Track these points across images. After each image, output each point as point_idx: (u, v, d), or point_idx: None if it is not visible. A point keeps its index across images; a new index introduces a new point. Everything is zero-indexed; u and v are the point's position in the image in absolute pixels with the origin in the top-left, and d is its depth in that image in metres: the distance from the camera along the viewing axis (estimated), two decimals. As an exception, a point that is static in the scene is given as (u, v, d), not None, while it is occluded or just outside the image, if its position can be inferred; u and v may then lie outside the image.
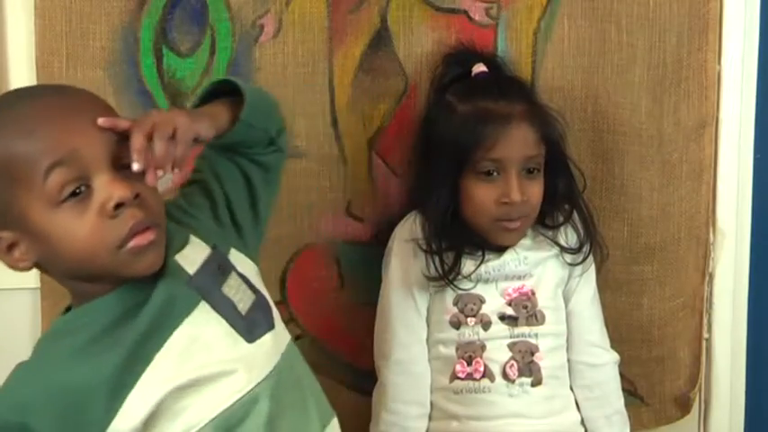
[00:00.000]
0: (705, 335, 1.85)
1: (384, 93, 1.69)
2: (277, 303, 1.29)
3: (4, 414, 1.16)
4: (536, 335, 1.58)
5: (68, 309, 1.23)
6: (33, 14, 1.62)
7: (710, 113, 1.76)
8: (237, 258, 1.27)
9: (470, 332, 1.57)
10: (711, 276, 1.84)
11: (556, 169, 1.60)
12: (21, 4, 1.64)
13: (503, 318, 1.58)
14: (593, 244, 1.64)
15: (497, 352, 1.57)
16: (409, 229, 1.61)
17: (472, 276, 1.57)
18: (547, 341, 1.59)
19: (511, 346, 1.57)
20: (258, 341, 1.20)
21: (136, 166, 1.11)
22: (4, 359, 1.72)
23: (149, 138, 1.12)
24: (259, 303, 1.24)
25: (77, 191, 1.12)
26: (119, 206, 1.12)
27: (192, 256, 1.22)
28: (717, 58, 1.75)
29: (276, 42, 1.66)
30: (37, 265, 1.18)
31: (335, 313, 1.74)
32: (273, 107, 1.36)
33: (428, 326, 1.61)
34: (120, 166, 1.14)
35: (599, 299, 1.67)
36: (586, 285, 1.64)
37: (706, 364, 1.86)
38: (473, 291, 1.58)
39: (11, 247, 1.16)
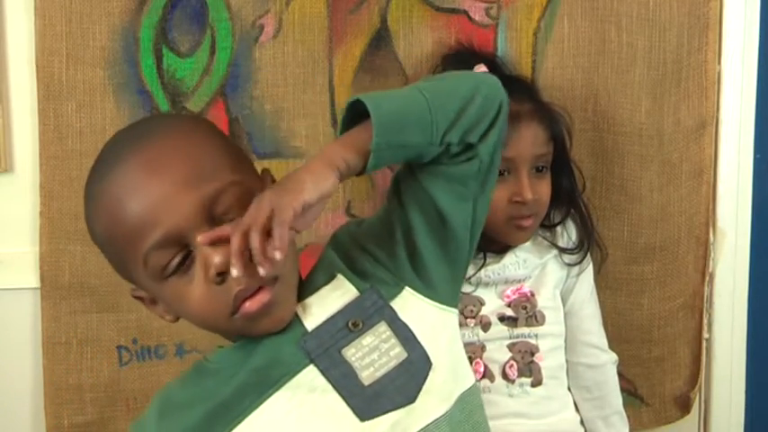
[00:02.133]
0: (705, 335, 1.85)
1: (384, 93, 1.70)
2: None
3: None
4: (536, 335, 1.58)
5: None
6: (33, 14, 1.62)
7: (710, 113, 1.76)
8: (407, 304, 1.09)
9: (470, 333, 1.57)
10: (711, 276, 1.84)
11: (560, 168, 1.61)
12: (21, 4, 1.63)
13: (502, 319, 1.58)
14: (591, 244, 1.64)
15: (497, 352, 1.57)
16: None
17: (472, 280, 1.57)
18: (547, 341, 1.59)
19: (510, 347, 1.57)
20: (374, 420, 1.01)
21: (234, 272, 0.98)
22: (4, 359, 1.74)
23: (246, 236, 0.98)
24: (406, 367, 1.04)
25: (182, 261, 1.03)
26: (221, 273, 1.01)
27: (321, 304, 1.07)
28: (717, 58, 1.75)
29: (276, 42, 1.66)
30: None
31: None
32: (470, 100, 1.10)
33: (428, 327, 1.61)
34: (223, 220, 1.03)
35: (597, 299, 1.67)
36: (583, 285, 1.64)
37: (706, 364, 1.86)
38: (473, 293, 1.58)
39: (153, 301, 1.10)
